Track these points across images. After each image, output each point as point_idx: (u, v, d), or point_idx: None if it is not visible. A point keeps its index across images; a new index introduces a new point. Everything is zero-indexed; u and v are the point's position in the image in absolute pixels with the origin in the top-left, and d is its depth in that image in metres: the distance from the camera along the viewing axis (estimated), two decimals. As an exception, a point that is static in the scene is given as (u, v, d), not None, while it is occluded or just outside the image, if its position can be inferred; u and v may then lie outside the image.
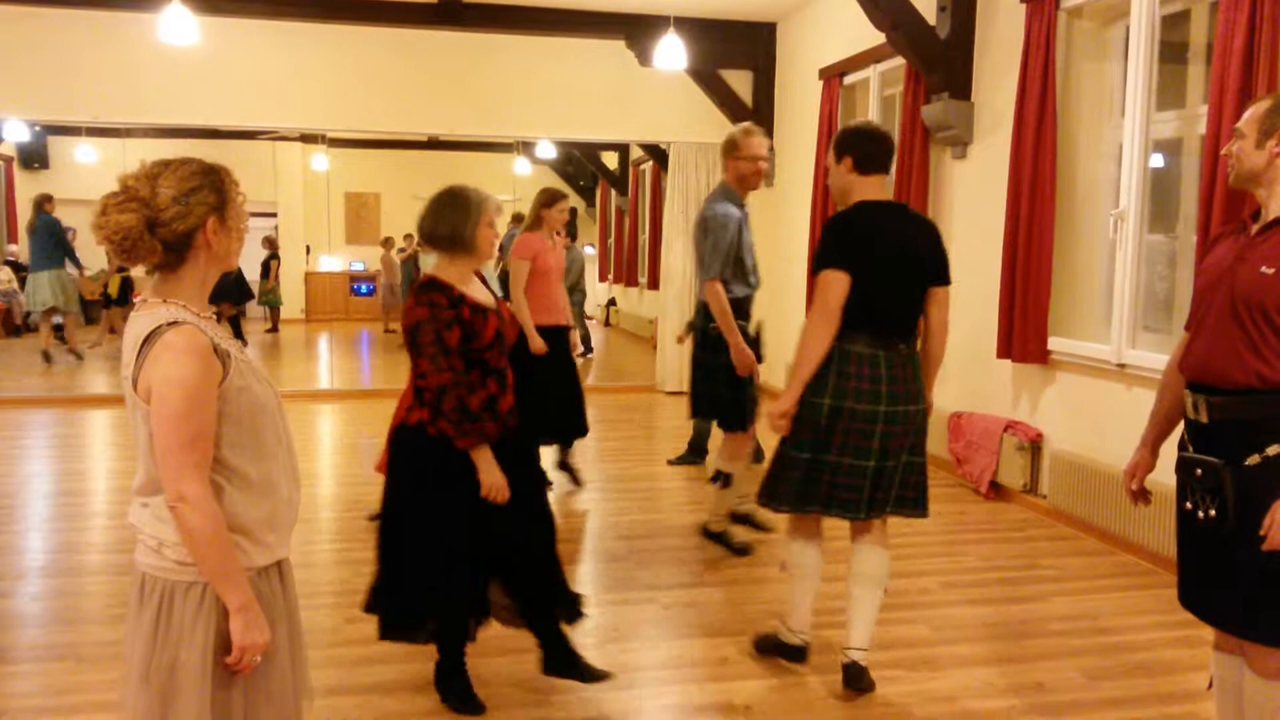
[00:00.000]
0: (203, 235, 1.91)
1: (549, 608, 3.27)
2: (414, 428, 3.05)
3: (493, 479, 3.02)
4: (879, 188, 3.32)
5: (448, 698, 3.23)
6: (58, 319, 11.87)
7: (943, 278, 3.34)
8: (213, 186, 1.93)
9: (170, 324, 1.86)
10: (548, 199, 5.79)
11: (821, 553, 3.52)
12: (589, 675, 3.26)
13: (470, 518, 3.04)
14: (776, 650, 3.61)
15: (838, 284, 3.16)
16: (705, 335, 4.75)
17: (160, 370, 1.83)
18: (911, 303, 3.32)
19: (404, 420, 3.08)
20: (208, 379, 1.85)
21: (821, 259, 3.21)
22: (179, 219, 1.88)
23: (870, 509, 3.30)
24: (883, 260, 3.21)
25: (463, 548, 3.06)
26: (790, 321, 9.16)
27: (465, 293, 3.03)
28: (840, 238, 3.23)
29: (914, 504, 3.40)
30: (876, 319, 3.23)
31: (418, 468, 3.06)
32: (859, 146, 3.31)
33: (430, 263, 3.24)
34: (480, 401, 3.01)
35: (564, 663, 3.28)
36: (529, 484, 3.21)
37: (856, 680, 3.34)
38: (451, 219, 3.04)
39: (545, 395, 5.22)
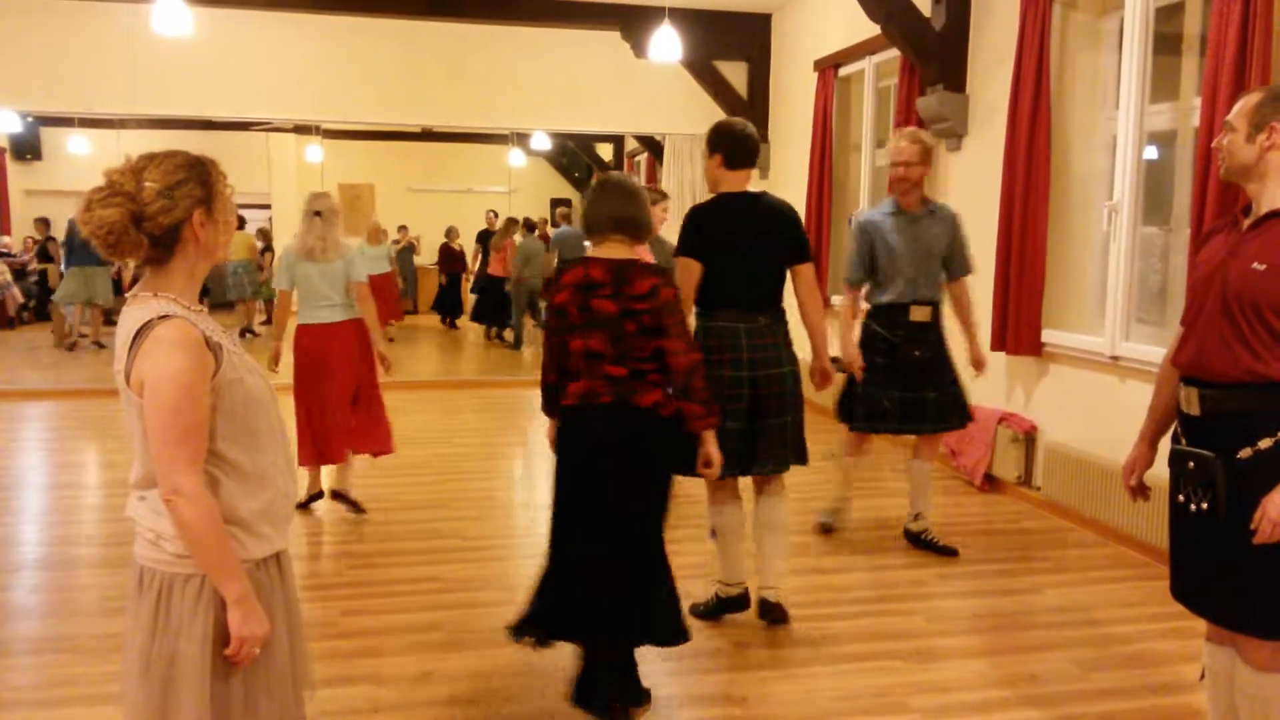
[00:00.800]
0: (189, 228, 1.91)
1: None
2: (649, 410, 2.99)
3: (717, 454, 3.22)
4: (744, 181, 3.77)
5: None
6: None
7: (801, 257, 3.80)
8: (199, 179, 1.92)
9: (161, 317, 1.86)
10: (651, 199, 5.73)
11: (742, 510, 3.86)
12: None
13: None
14: (721, 609, 3.86)
15: (689, 270, 3.64)
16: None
17: (152, 364, 1.83)
18: (770, 280, 3.76)
19: (635, 404, 2.98)
20: (200, 372, 1.85)
21: (679, 249, 3.68)
22: (164, 212, 1.87)
23: (749, 466, 3.68)
24: (739, 245, 3.66)
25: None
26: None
27: None
28: (694, 231, 3.67)
29: (794, 458, 3.82)
30: (736, 296, 3.68)
31: (670, 449, 3.06)
32: (728, 144, 3.74)
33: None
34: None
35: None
36: None
37: (770, 613, 3.79)
38: (633, 206, 3.09)
39: None
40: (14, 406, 8.30)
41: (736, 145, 3.74)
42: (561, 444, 3.09)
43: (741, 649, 3.65)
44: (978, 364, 4.77)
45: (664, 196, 5.75)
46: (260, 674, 1.99)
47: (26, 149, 15.52)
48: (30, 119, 13.99)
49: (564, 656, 3.57)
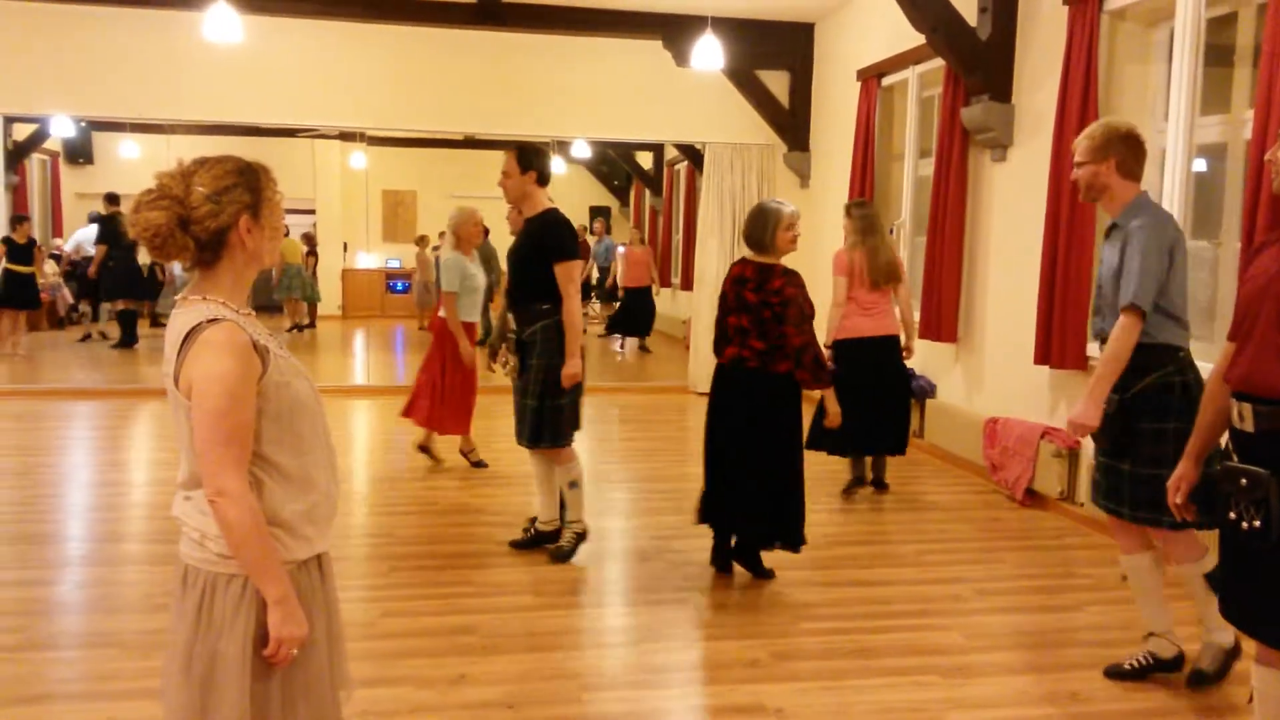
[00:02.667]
0: (235, 233, 1.93)
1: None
2: (784, 375, 4.23)
3: (838, 409, 4.51)
4: (549, 197, 4.63)
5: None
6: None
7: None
8: (247, 185, 1.95)
9: (210, 321, 1.89)
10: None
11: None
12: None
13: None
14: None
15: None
16: None
17: (200, 367, 1.86)
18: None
19: (772, 370, 4.21)
20: (246, 375, 1.88)
21: (572, 251, 4.50)
22: (211, 217, 1.90)
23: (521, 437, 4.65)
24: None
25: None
26: (821, 325, 9.13)
27: None
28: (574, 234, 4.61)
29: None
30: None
31: (796, 403, 4.31)
32: (542, 165, 4.61)
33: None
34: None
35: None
36: None
37: (541, 540, 4.76)
38: (758, 227, 4.31)
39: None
40: (64, 405, 8.47)
41: (548, 165, 4.65)
42: (714, 391, 4.41)
43: (778, 660, 3.63)
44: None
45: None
46: (299, 675, 2.01)
47: (79, 153, 15.84)
48: (83, 124, 14.28)
49: (595, 662, 3.57)
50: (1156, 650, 3.52)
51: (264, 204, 1.97)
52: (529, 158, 4.62)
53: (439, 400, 6.22)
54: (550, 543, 4.74)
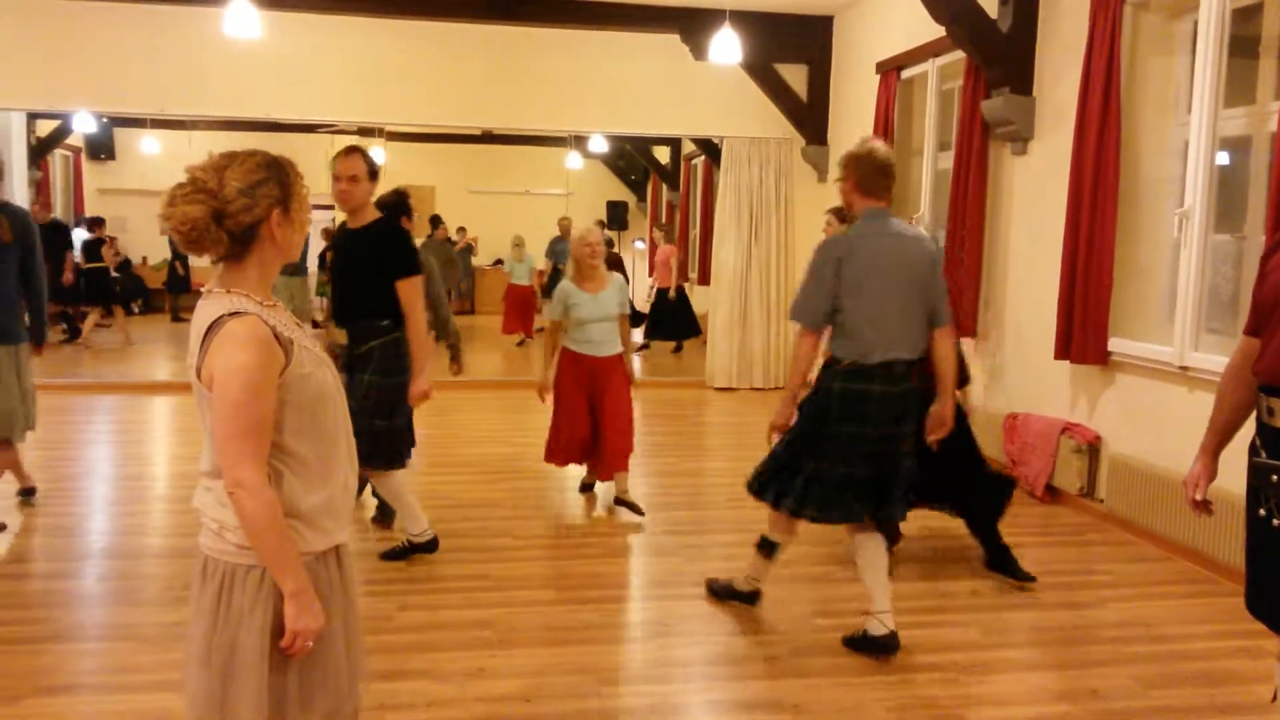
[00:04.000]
0: (267, 227, 1.95)
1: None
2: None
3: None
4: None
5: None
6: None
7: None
8: (278, 179, 1.96)
9: (233, 314, 1.90)
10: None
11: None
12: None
13: None
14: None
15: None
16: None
17: (222, 359, 1.87)
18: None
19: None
20: (268, 369, 1.89)
21: (416, 266, 4.38)
22: (245, 211, 1.92)
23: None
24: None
25: None
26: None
27: None
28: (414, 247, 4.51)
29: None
30: None
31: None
32: (377, 173, 4.43)
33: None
34: None
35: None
36: None
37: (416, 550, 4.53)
38: None
39: None
40: (87, 399, 8.54)
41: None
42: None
43: (796, 656, 3.62)
44: None
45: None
46: (316, 666, 2.02)
47: (101, 149, 15.97)
48: (105, 120, 14.40)
49: (613, 657, 3.57)
50: (870, 628, 3.62)
51: (293, 198, 1.98)
52: (374, 163, 4.37)
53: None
54: (427, 552, 4.52)
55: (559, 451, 5.37)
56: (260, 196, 1.93)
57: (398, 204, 5.08)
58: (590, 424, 5.29)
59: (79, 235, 12.60)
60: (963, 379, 4.38)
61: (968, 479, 4.48)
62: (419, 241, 5.29)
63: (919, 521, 5.35)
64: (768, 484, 3.75)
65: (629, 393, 5.36)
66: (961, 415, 4.24)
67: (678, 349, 12.72)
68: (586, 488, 5.71)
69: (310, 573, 1.97)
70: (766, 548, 3.92)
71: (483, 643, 3.66)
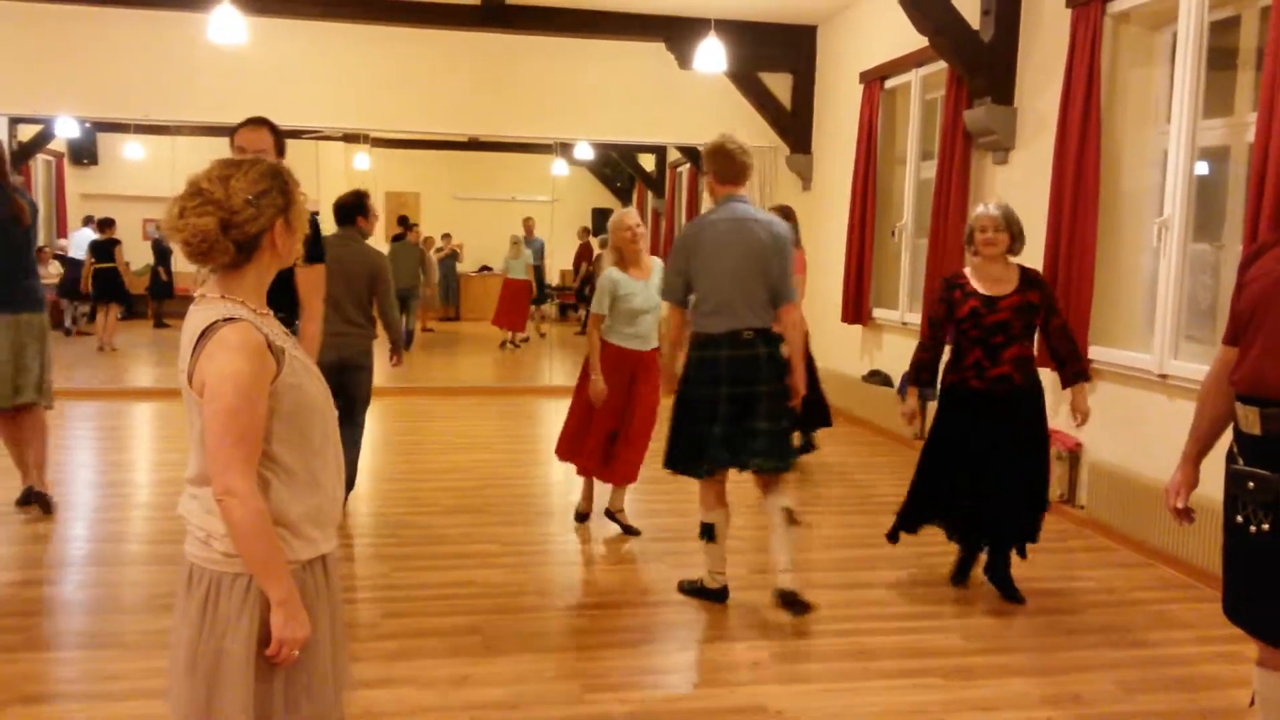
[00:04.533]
0: (270, 236, 1.95)
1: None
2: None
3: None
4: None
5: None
6: None
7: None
8: (280, 188, 1.97)
9: (226, 320, 1.90)
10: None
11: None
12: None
13: None
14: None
15: None
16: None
17: (214, 366, 1.87)
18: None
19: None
20: (259, 376, 1.89)
21: (321, 253, 4.01)
22: (251, 221, 1.92)
23: None
24: None
25: None
26: (824, 327, 9.14)
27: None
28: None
29: None
30: None
31: None
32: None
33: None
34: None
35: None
36: None
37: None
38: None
39: None
40: (65, 405, 8.48)
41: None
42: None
43: (780, 662, 3.63)
44: None
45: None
46: (302, 675, 2.02)
47: (83, 154, 15.85)
48: (88, 125, 14.30)
49: (598, 663, 3.58)
50: (707, 582, 4.19)
51: (293, 206, 1.99)
52: (282, 137, 4.01)
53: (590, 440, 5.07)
54: None
55: (580, 450, 5.06)
56: (265, 206, 1.93)
57: (354, 205, 5.30)
58: (618, 425, 4.99)
59: (86, 235, 12.69)
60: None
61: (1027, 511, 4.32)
62: (386, 242, 5.35)
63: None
64: (667, 456, 4.17)
65: (658, 395, 5.01)
66: (1044, 448, 4.29)
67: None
68: (583, 517, 5.29)
69: (297, 581, 1.97)
70: (706, 533, 4.18)
71: (467, 650, 3.65)
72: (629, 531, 5.12)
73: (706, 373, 4.01)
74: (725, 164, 4.06)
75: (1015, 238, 4.13)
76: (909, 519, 4.39)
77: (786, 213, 6.03)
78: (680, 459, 4.11)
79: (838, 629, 3.93)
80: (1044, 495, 4.28)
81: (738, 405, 3.98)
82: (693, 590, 4.25)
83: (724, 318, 3.98)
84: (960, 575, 4.47)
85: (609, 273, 4.95)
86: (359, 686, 3.22)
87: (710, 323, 4.02)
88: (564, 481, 5.81)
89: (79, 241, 13.53)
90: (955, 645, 3.82)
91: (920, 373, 4.38)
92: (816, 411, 6.02)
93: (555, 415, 8.61)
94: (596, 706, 3.26)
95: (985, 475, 4.13)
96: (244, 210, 1.91)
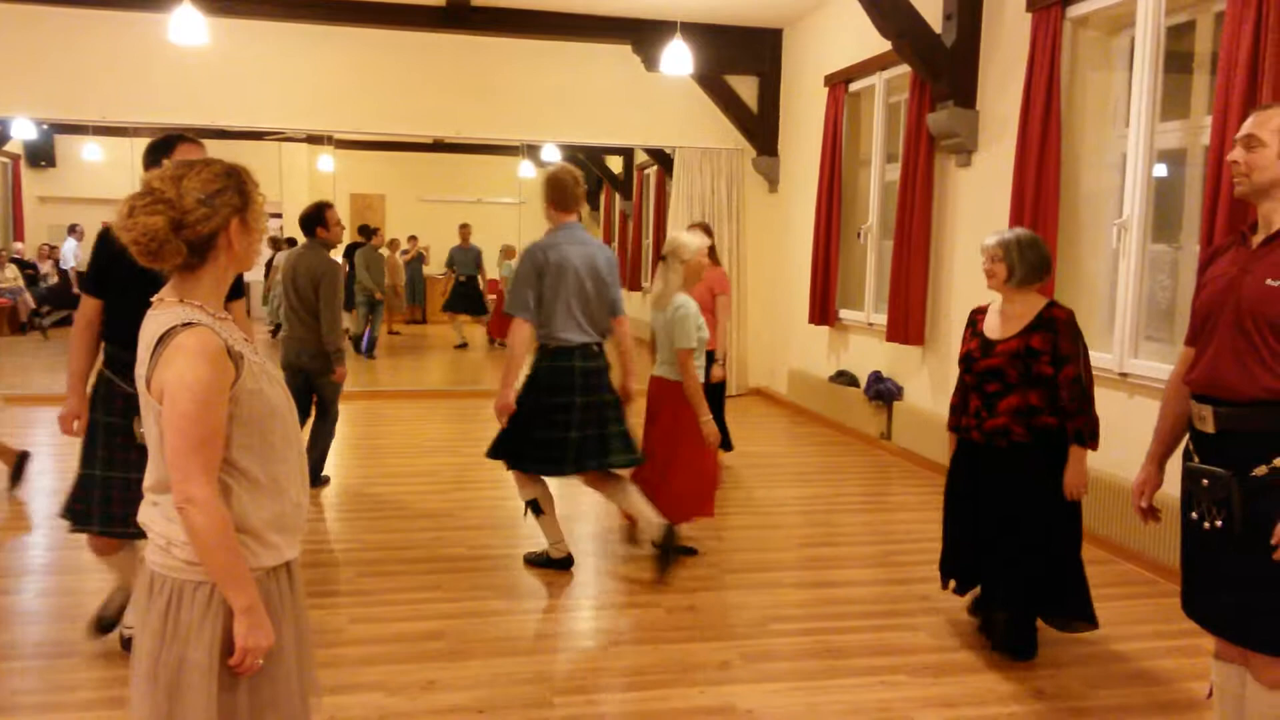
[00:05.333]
0: (225, 236, 1.92)
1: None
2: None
3: None
4: None
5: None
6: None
7: None
8: (236, 188, 1.94)
9: (184, 325, 1.87)
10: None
11: None
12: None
13: None
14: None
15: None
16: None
17: (172, 372, 1.85)
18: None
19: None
20: (219, 382, 1.86)
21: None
22: (204, 220, 1.89)
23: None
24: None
25: None
26: (792, 329, 9.19)
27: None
28: None
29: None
30: None
31: None
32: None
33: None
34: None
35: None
36: None
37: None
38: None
39: None
40: (25, 412, 8.33)
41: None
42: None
43: (749, 662, 3.64)
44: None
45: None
46: (266, 683, 1.99)
47: (41, 156, 15.60)
48: (45, 127, 14.07)
49: (566, 666, 3.57)
50: (552, 554, 4.60)
51: (250, 206, 1.96)
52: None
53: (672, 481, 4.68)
54: None
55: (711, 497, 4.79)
56: (220, 205, 1.90)
57: (313, 216, 5.78)
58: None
59: (72, 245, 12.56)
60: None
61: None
62: (342, 247, 5.50)
63: (869, 526, 5.43)
64: (498, 450, 4.50)
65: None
66: (1064, 512, 3.64)
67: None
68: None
69: (261, 588, 1.95)
70: (534, 508, 4.57)
71: (435, 654, 3.63)
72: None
73: (562, 382, 4.37)
74: (562, 193, 4.43)
75: (1018, 268, 3.60)
76: (944, 570, 3.95)
77: (706, 230, 6.20)
78: (533, 459, 4.41)
79: (805, 628, 3.95)
80: (1069, 562, 3.65)
81: (592, 412, 4.38)
82: (539, 562, 4.62)
83: (576, 332, 4.38)
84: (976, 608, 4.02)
85: (694, 306, 4.63)
86: (326, 692, 3.20)
87: (564, 337, 4.38)
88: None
89: (68, 253, 13.43)
90: (922, 643, 3.85)
91: (950, 417, 3.89)
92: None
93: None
94: (565, 709, 3.26)
95: (990, 534, 3.68)
96: (196, 210, 1.88)
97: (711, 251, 5.92)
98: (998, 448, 3.62)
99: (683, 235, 4.83)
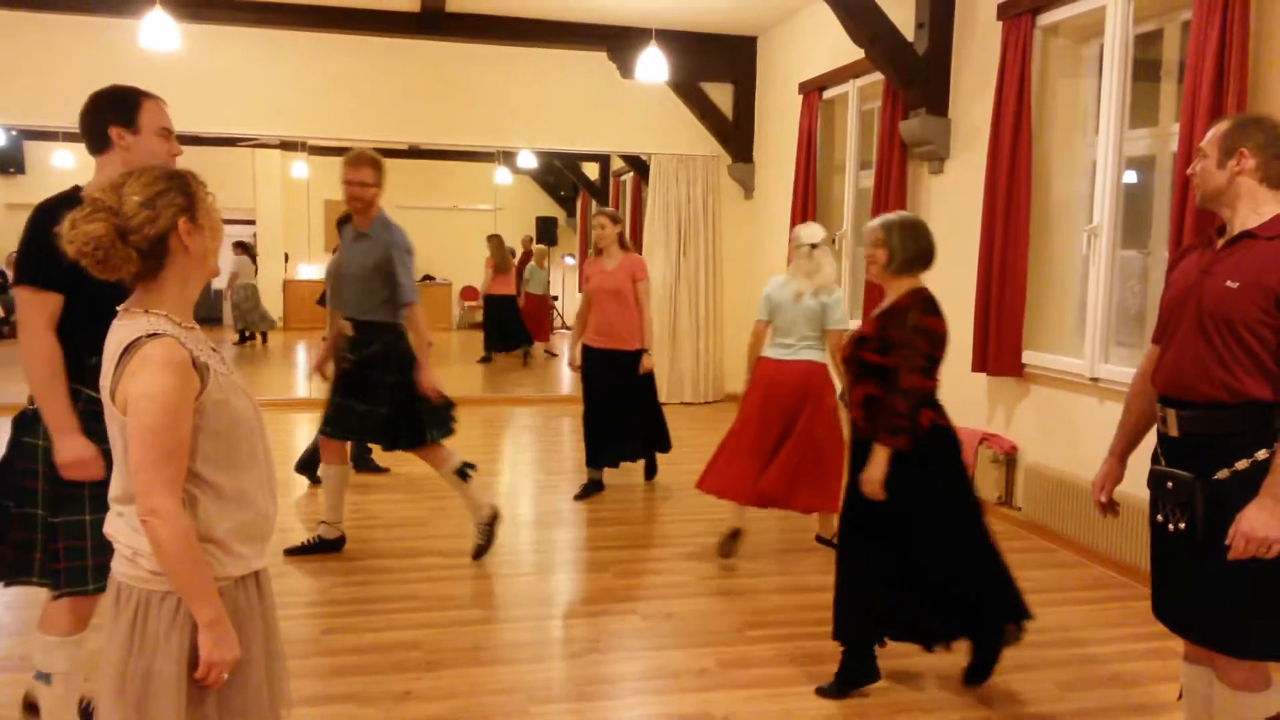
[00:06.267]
0: (176, 238, 1.90)
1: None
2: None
3: None
4: None
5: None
6: None
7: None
8: (179, 189, 1.92)
9: (150, 335, 1.86)
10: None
11: None
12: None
13: None
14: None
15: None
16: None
17: (137, 383, 1.83)
18: None
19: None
20: (184, 394, 1.85)
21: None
22: (149, 223, 1.87)
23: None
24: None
25: None
26: (769, 333, 9.20)
27: None
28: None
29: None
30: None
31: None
32: None
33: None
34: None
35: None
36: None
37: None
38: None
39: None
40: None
41: None
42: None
43: (725, 668, 3.64)
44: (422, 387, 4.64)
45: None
46: (236, 695, 1.97)
47: (9, 163, 15.44)
48: (13, 133, 13.92)
49: (542, 675, 3.56)
50: (323, 534, 4.86)
51: (198, 205, 1.94)
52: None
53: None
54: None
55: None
56: (163, 206, 1.88)
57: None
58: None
59: None
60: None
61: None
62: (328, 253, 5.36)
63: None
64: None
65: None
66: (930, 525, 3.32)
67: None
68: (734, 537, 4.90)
69: (228, 598, 1.93)
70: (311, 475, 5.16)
71: (410, 664, 3.61)
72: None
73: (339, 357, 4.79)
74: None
75: (898, 253, 3.33)
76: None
77: (613, 218, 6.11)
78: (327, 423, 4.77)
79: (783, 634, 3.96)
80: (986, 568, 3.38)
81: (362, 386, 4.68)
82: (319, 546, 4.82)
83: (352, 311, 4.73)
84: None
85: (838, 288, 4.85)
86: (298, 704, 3.16)
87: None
88: (506, 493, 5.78)
89: None
90: (897, 649, 3.84)
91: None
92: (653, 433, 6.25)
93: (500, 424, 8.57)
94: (542, 719, 3.24)
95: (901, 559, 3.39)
96: (138, 213, 1.86)
97: (621, 237, 6.03)
98: (865, 445, 3.31)
99: (812, 225, 4.97)
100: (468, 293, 17.61)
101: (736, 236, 9.86)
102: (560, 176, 17.42)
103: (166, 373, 1.83)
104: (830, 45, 7.71)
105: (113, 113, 2.92)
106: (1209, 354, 2.40)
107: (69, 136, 13.19)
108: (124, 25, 7.90)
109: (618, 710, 3.34)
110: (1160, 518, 2.52)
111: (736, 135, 9.63)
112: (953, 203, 6.35)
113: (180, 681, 1.88)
